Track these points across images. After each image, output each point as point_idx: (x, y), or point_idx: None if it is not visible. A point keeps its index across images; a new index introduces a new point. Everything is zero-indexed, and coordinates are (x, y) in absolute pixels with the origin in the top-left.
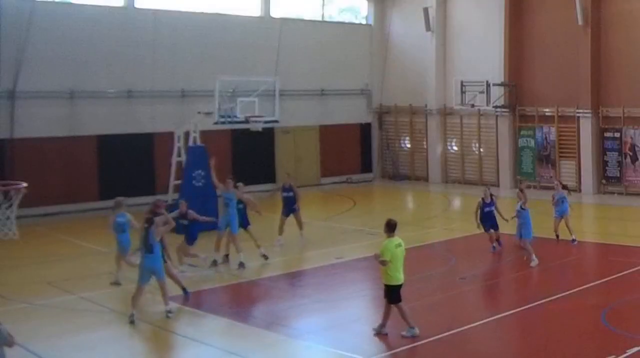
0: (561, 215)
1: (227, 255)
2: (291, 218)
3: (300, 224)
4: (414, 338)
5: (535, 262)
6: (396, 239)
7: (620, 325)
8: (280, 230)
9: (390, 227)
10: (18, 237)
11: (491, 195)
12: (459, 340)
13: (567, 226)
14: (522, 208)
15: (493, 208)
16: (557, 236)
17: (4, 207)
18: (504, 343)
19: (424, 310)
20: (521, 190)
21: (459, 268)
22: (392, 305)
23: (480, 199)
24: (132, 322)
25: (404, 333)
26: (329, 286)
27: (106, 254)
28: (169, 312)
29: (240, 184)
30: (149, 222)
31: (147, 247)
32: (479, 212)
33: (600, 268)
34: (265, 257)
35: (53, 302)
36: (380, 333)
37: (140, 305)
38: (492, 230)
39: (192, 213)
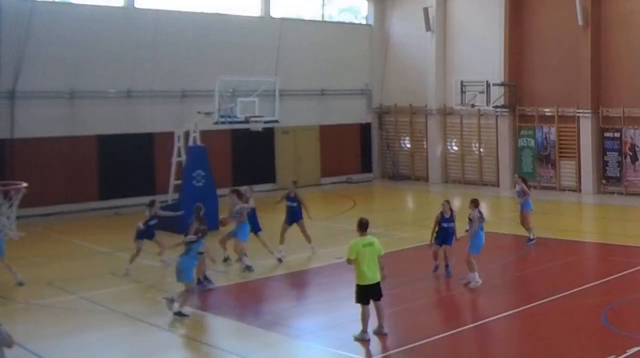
0: (521, 208)
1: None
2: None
3: (305, 236)
4: (362, 341)
5: (473, 282)
6: (367, 238)
7: (620, 325)
8: (282, 239)
9: (361, 226)
10: (18, 237)
11: (451, 209)
12: (459, 340)
13: (525, 223)
14: (470, 220)
15: (452, 224)
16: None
17: (4, 207)
18: (504, 343)
19: (424, 309)
20: (473, 202)
21: (458, 268)
22: (366, 305)
23: (439, 213)
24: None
25: (356, 334)
26: (329, 286)
27: (106, 254)
28: (180, 314)
29: (246, 188)
30: (204, 233)
31: (187, 250)
32: (436, 227)
33: (600, 268)
34: (280, 260)
35: (53, 302)
36: (379, 333)
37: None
38: (444, 245)
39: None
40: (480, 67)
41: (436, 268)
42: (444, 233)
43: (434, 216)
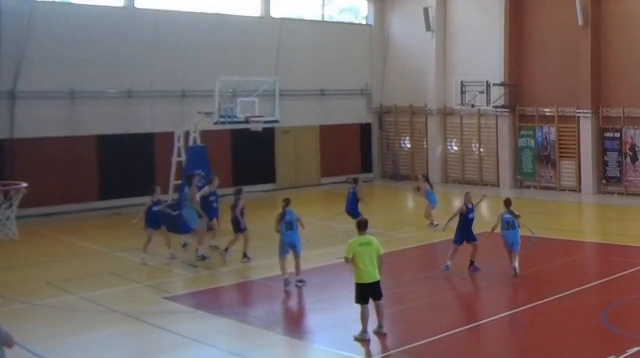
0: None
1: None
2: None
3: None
4: (362, 341)
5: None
6: (365, 238)
7: (620, 325)
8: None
9: (359, 225)
10: (18, 237)
11: (471, 201)
12: (459, 340)
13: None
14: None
15: (473, 214)
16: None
17: (4, 207)
18: (504, 343)
19: (424, 310)
20: (505, 202)
21: (459, 268)
22: (365, 305)
23: (462, 206)
24: (287, 284)
25: (355, 334)
26: (329, 286)
27: (106, 254)
28: (301, 281)
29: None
30: (287, 202)
31: (287, 225)
32: (458, 218)
33: (600, 268)
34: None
35: (53, 302)
36: (379, 333)
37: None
38: (470, 242)
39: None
40: (480, 67)
41: (447, 268)
42: (467, 226)
43: (434, 216)
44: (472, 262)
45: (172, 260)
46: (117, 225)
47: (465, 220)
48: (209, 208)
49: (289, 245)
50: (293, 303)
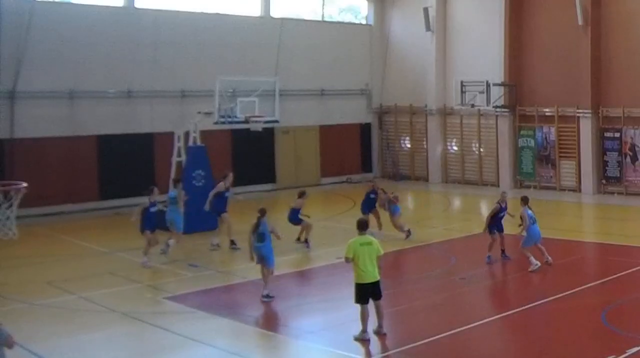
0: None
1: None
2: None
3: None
4: (362, 341)
5: (532, 266)
6: (365, 238)
7: (620, 325)
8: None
9: (360, 226)
10: (18, 237)
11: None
12: (459, 340)
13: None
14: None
15: (505, 213)
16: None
17: (4, 207)
18: (504, 344)
19: (424, 310)
20: (522, 200)
21: (459, 268)
22: (365, 305)
23: (497, 204)
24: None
25: (355, 334)
26: (329, 286)
27: (106, 254)
28: (267, 296)
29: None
30: (262, 213)
31: (259, 237)
32: (493, 218)
33: (600, 268)
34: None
35: (53, 302)
36: (379, 333)
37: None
38: (496, 233)
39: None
40: (480, 67)
41: (489, 258)
42: (498, 220)
43: (434, 216)
44: (503, 251)
45: (163, 254)
46: (117, 225)
47: (497, 217)
48: (222, 203)
49: (259, 257)
50: (293, 303)
